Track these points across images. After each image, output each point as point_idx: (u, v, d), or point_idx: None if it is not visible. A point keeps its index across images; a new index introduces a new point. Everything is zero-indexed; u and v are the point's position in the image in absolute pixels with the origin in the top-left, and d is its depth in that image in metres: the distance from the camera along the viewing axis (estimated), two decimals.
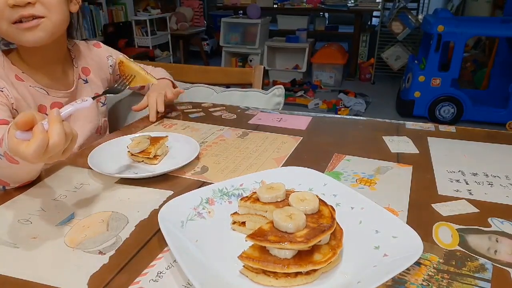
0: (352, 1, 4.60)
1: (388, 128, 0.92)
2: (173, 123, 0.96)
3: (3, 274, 0.46)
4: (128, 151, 0.76)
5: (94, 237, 0.53)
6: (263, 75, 1.30)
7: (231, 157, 0.77)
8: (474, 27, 3.03)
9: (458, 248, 0.50)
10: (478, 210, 0.59)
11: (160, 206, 0.56)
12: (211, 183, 0.62)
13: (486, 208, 0.59)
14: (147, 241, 0.52)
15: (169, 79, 1.12)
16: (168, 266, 0.47)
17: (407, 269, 0.44)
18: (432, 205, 0.60)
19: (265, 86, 1.30)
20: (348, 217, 0.53)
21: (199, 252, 0.48)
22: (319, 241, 0.44)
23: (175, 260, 0.47)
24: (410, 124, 0.94)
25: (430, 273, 0.46)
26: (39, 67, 0.85)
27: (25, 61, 0.83)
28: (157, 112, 0.97)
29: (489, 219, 0.56)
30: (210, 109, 1.06)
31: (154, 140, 0.76)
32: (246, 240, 0.45)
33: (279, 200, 0.52)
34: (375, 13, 5.19)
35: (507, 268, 0.47)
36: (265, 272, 0.43)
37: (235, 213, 0.54)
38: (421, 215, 0.57)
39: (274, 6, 4.75)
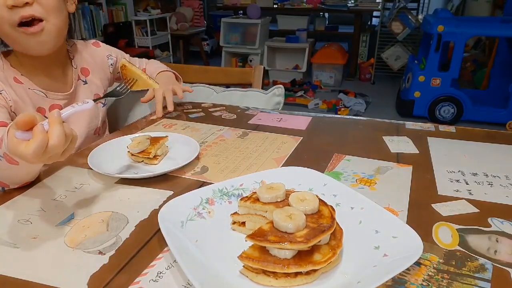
0: (352, 1, 4.60)
1: (388, 128, 0.92)
2: (173, 123, 0.96)
3: (3, 274, 0.46)
4: (128, 151, 0.76)
5: (94, 237, 0.53)
6: (263, 75, 1.30)
7: (231, 157, 0.77)
8: (474, 27, 3.03)
9: (458, 248, 0.50)
10: (478, 210, 0.59)
11: (160, 206, 0.56)
12: (211, 183, 0.62)
13: (486, 208, 0.59)
14: (147, 241, 0.52)
15: (171, 71, 1.11)
16: (168, 266, 0.47)
17: (407, 269, 0.44)
18: (432, 205, 0.60)
19: (265, 86, 1.30)
20: (348, 217, 0.53)
21: (199, 252, 0.48)
22: (319, 241, 0.44)
23: (175, 260, 0.47)
24: (410, 124, 0.94)
25: (430, 273, 0.46)
26: (38, 70, 0.84)
27: (24, 64, 0.83)
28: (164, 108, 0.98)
29: (489, 219, 0.56)
30: (210, 109, 1.06)
31: (154, 140, 0.76)
32: (246, 240, 0.45)
33: (279, 200, 0.52)
34: (375, 13, 5.19)
35: (507, 268, 0.47)
36: (265, 272, 0.43)
37: (235, 213, 0.54)
38: (421, 215, 0.57)
39: (274, 6, 4.75)
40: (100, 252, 0.50)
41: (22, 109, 0.81)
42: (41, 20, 0.75)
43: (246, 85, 1.32)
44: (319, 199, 0.50)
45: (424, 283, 0.44)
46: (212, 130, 0.91)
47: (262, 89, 1.27)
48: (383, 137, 0.86)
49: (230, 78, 1.37)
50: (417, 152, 0.79)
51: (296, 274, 0.43)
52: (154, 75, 1.10)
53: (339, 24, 5.15)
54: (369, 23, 5.37)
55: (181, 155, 0.75)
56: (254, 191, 0.56)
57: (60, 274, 0.46)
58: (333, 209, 0.49)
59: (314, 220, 0.47)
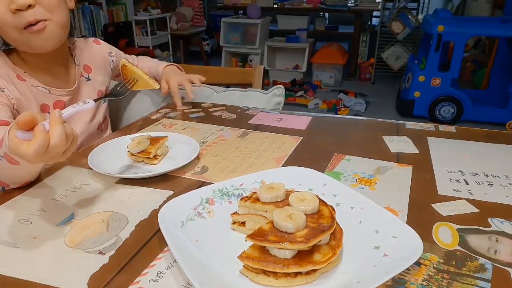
0: (352, 1, 4.60)
1: (388, 128, 0.92)
2: (173, 123, 0.96)
3: (3, 274, 0.46)
4: (128, 151, 0.76)
5: (94, 237, 0.53)
6: (263, 75, 1.30)
7: (231, 157, 0.77)
8: (474, 27, 3.03)
9: (458, 248, 0.50)
10: (478, 210, 0.59)
11: (160, 206, 0.56)
12: (211, 183, 0.62)
13: (486, 208, 0.59)
14: (147, 241, 0.52)
15: (174, 64, 1.13)
16: (168, 266, 0.47)
17: (407, 269, 0.44)
18: (432, 205, 0.60)
19: (265, 86, 1.30)
20: (348, 217, 0.53)
21: (199, 252, 0.48)
22: (319, 241, 0.44)
23: (175, 260, 0.47)
24: (410, 124, 0.94)
25: (430, 273, 0.46)
26: (40, 67, 0.85)
27: (27, 61, 0.84)
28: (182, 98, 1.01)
29: (489, 219, 0.56)
30: (210, 109, 1.06)
31: (154, 140, 0.76)
32: (246, 240, 0.45)
33: (279, 200, 0.52)
34: (375, 13, 5.18)
35: (507, 268, 0.47)
36: (265, 272, 0.43)
37: (235, 213, 0.54)
38: (421, 215, 0.57)
39: (274, 6, 4.74)
40: (100, 252, 0.50)
41: (26, 106, 0.82)
42: (44, 20, 0.75)
43: (246, 85, 1.32)
44: (319, 199, 0.50)
45: (424, 283, 0.44)
46: (212, 130, 0.91)
47: (262, 89, 1.27)
48: (383, 137, 0.86)
49: (230, 78, 1.37)
50: (417, 152, 0.79)
51: (296, 274, 0.43)
52: (152, 71, 1.11)
53: (339, 24, 5.15)
54: (369, 23, 5.37)
55: (181, 155, 0.75)
56: (254, 191, 0.56)
57: (60, 274, 0.46)
58: (333, 209, 0.49)
59: (314, 220, 0.47)
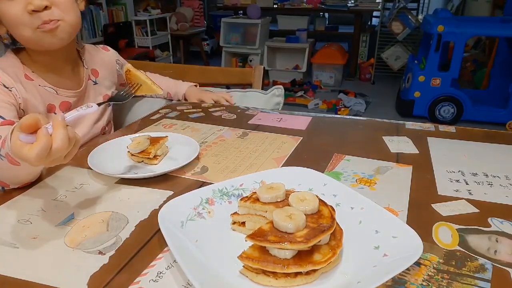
0: (352, 1, 4.60)
1: (388, 128, 0.92)
2: (173, 123, 0.96)
3: (3, 274, 0.46)
4: (128, 151, 0.76)
5: (94, 237, 0.53)
6: (263, 75, 1.30)
7: (231, 157, 0.77)
8: (474, 27, 3.03)
9: (458, 248, 0.50)
10: (478, 210, 0.59)
11: (160, 206, 0.56)
12: (211, 183, 0.62)
13: (486, 208, 0.59)
14: (147, 241, 0.52)
15: (194, 84, 1.19)
16: (168, 266, 0.47)
17: (407, 269, 0.44)
18: (432, 205, 0.60)
19: (265, 86, 1.30)
20: (348, 217, 0.53)
21: (199, 252, 0.48)
22: (319, 241, 0.44)
23: (175, 260, 0.47)
24: (410, 124, 0.94)
25: (430, 273, 0.46)
26: (49, 67, 0.85)
27: (35, 61, 0.84)
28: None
29: (489, 219, 0.56)
30: (210, 109, 1.06)
31: (154, 140, 0.76)
32: (246, 240, 0.45)
33: (279, 200, 0.52)
34: (375, 13, 5.19)
35: (507, 268, 0.47)
36: (265, 272, 0.43)
37: (235, 213, 0.54)
38: (421, 215, 0.57)
39: (274, 6, 4.75)
40: (100, 252, 0.50)
41: (32, 106, 0.82)
42: (57, 20, 0.77)
43: (246, 85, 1.33)
44: (319, 199, 0.50)
45: (424, 283, 0.44)
46: (212, 130, 0.91)
47: (262, 89, 1.27)
48: (383, 137, 0.86)
49: (230, 78, 1.37)
50: (417, 152, 0.79)
51: (296, 274, 0.43)
52: (171, 90, 1.17)
53: (339, 24, 5.15)
54: (369, 23, 5.37)
55: (181, 155, 0.75)
56: (254, 191, 0.56)
57: (60, 274, 0.46)
58: (333, 209, 0.49)
59: (314, 220, 0.47)
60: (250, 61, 4.39)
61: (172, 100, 1.18)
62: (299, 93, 3.81)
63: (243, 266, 0.45)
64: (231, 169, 0.72)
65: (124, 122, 1.19)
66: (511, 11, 3.57)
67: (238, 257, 0.44)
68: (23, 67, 0.83)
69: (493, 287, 0.44)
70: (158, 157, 0.75)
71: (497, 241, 0.52)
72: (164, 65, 1.23)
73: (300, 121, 0.97)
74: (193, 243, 0.50)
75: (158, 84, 0.96)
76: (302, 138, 0.86)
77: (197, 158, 0.74)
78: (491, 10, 4.10)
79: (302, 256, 0.44)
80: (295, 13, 4.64)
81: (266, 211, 0.51)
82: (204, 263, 0.46)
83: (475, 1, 4.30)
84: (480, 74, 3.56)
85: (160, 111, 1.05)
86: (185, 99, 1.16)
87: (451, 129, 0.91)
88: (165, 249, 0.50)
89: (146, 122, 0.97)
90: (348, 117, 1.05)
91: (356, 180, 0.68)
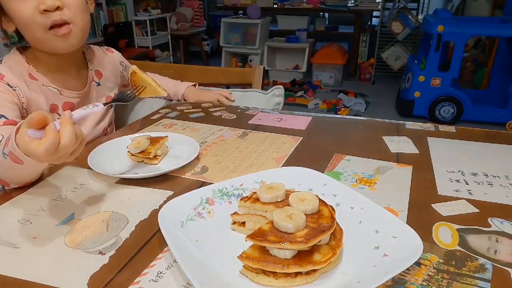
0: (352, 1, 4.60)
1: (388, 128, 0.92)
2: (173, 123, 0.96)
3: (3, 274, 0.46)
4: (128, 151, 0.76)
5: (94, 237, 0.53)
6: (263, 75, 1.30)
7: (231, 157, 0.77)
8: (474, 27, 3.03)
9: (458, 248, 0.50)
10: (478, 210, 0.59)
11: (160, 206, 0.56)
12: (211, 183, 0.62)
13: (486, 208, 0.59)
14: (147, 241, 0.52)
15: (192, 84, 1.19)
16: (168, 266, 0.47)
17: (407, 269, 0.44)
18: (432, 205, 0.60)
19: (265, 86, 1.30)
20: (348, 217, 0.53)
21: (199, 252, 0.48)
22: (319, 241, 0.44)
23: (175, 260, 0.47)
24: (410, 124, 0.94)
25: (430, 273, 0.46)
26: (54, 67, 0.86)
27: (41, 60, 0.84)
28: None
29: (489, 219, 0.56)
30: (210, 109, 1.06)
31: (154, 140, 0.76)
32: (246, 240, 0.45)
33: (279, 200, 0.52)
34: (375, 13, 5.19)
35: (507, 268, 0.47)
36: (265, 272, 0.43)
37: (235, 213, 0.54)
38: (421, 215, 0.57)
39: (274, 6, 4.75)
40: (100, 252, 0.50)
41: (36, 105, 0.82)
42: (68, 23, 0.78)
43: (246, 85, 1.32)
44: (319, 199, 0.50)
45: (424, 283, 0.44)
46: (212, 130, 0.91)
47: (262, 89, 1.27)
48: (383, 137, 0.86)
49: (230, 78, 1.37)
50: (417, 152, 0.79)
51: (296, 274, 0.43)
52: (170, 90, 1.17)
53: (339, 24, 5.15)
54: (369, 23, 5.37)
55: (181, 155, 0.75)
56: (254, 191, 0.56)
57: (60, 274, 0.46)
58: (333, 209, 0.49)
59: (314, 220, 0.47)
60: (250, 61, 4.39)
61: (171, 100, 1.18)
62: (299, 93, 3.81)
63: (243, 266, 0.45)
64: (231, 169, 0.72)
65: (126, 123, 1.19)
66: (511, 11, 3.57)
67: (238, 257, 0.44)
68: (28, 66, 0.83)
69: (493, 287, 0.44)
70: (158, 157, 0.75)
71: (497, 241, 0.52)
72: (164, 65, 1.23)
73: (300, 121, 0.97)
74: (193, 243, 0.50)
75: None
76: (302, 138, 0.86)
77: (197, 158, 0.74)
78: (491, 10, 4.10)
79: (302, 256, 0.44)
80: (295, 13, 4.64)
81: (266, 211, 0.51)
82: (204, 263, 0.46)
83: (475, 1, 4.30)
84: (480, 74, 3.56)
85: (160, 111, 1.05)
86: (184, 100, 1.16)
87: (451, 129, 0.91)
88: (165, 249, 0.50)
89: (146, 122, 0.97)
90: (348, 117, 1.05)
91: (356, 180, 0.68)
